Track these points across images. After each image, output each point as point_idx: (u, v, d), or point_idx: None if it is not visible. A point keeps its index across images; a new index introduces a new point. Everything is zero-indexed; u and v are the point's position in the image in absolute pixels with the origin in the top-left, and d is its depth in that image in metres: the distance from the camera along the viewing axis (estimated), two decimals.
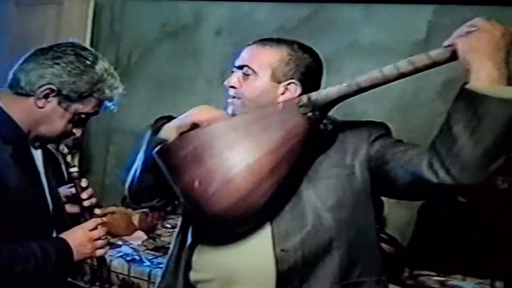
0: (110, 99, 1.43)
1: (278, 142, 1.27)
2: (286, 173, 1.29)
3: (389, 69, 1.24)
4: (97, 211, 1.54)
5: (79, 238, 1.45)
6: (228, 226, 1.36)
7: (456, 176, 1.15)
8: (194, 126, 1.36)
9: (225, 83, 1.45)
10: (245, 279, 1.39)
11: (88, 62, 1.39)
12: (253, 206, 1.28)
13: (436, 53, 1.22)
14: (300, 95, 1.38)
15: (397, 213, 2.71)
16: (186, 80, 3.68)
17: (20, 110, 1.40)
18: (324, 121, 1.39)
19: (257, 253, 1.38)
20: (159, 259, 2.47)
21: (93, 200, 1.55)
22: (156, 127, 1.45)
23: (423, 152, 1.23)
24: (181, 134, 1.37)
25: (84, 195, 1.52)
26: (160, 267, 2.32)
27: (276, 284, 1.35)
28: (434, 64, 1.23)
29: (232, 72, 1.46)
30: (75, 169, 1.54)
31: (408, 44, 2.86)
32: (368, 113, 2.64)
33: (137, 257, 2.50)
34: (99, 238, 1.49)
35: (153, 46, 3.78)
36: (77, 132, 1.46)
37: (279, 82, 1.40)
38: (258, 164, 1.25)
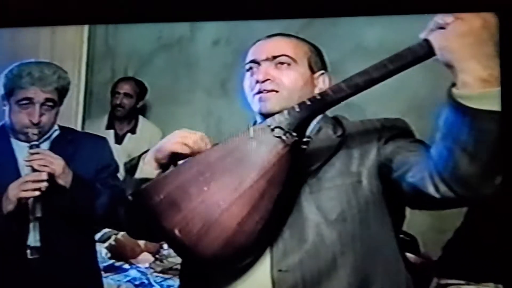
0: (26, 83, 1.78)
1: (256, 174, 1.17)
2: (272, 205, 1.20)
3: (359, 76, 1.17)
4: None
5: (12, 184, 1.71)
6: (222, 266, 1.28)
7: (458, 192, 1.06)
8: (173, 155, 1.28)
9: (256, 78, 1.32)
10: None
11: (11, 68, 1.82)
12: (242, 245, 1.19)
13: (411, 50, 1.11)
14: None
15: (417, 218, 2.61)
16: (183, 92, 3.64)
17: None
18: (305, 139, 1.28)
19: (255, 277, 1.27)
20: (169, 282, 2.39)
21: (34, 162, 1.73)
22: (130, 165, 1.35)
23: (426, 162, 1.13)
24: (162, 166, 1.29)
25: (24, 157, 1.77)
26: None
27: None
28: (417, 60, 1.11)
29: (250, 69, 1.35)
30: (34, 142, 1.77)
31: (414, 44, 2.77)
32: (380, 115, 2.55)
33: (145, 281, 2.42)
34: (27, 182, 1.71)
35: (149, 59, 3.74)
36: (43, 119, 1.80)
37: (314, 73, 1.35)
38: (238, 203, 1.15)
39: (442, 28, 1.03)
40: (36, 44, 3.51)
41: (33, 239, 1.75)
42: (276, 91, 1.31)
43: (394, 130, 1.32)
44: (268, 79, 1.31)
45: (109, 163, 1.95)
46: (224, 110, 3.51)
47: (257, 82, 1.32)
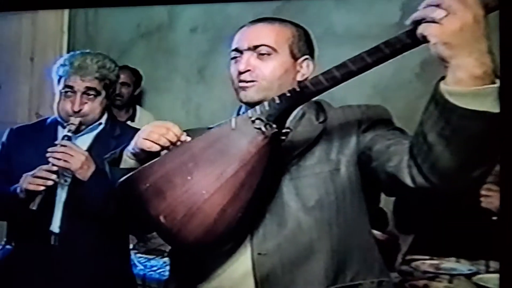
0: (67, 72, 1.86)
1: (237, 165, 1.20)
2: (252, 194, 1.23)
3: (337, 70, 1.14)
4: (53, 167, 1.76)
5: (25, 174, 1.75)
6: (203, 251, 1.34)
7: (435, 183, 1.06)
8: (146, 151, 1.30)
9: (238, 68, 1.34)
10: None
11: (63, 58, 1.93)
12: (223, 232, 1.23)
13: (388, 44, 1.07)
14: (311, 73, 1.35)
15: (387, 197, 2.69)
16: (162, 79, 3.71)
17: None
18: (285, 130, 1.29)
19: (238, 260, 1.32)
20: (152, 262, 2.44)
21: (54, 154, 1.75)
22: (112, 158, 1.39)
23: (404, 152, 1.13)
24: (141, 160, 1.32)
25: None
26: (154, 270, 2.33)
27: None
28: (394, 53, 1.07)
29: (235, 57, 1.36)
30: (67, 133, 1.82)
31: (382, 28, 2.81)
32: (347, 99, 2.57)
33: None
34: (36, 177, 1.73)
35: (129, 48, 3.80)
36: (85, 108, 1.86)
37: (296, 59, 1.35)
38: (220, 193, 1.20)
39: (433, 22, 0.97)
40: (17, 34, 3.52)
41: (55, 225, 1.81)
42: (256, 81, 1.32)
43: (373, 118, 1.32)
44: (249, 70, 1.33)
45: None
46: (202, 97, 3.58)
47: (239, 72, 1.34)
